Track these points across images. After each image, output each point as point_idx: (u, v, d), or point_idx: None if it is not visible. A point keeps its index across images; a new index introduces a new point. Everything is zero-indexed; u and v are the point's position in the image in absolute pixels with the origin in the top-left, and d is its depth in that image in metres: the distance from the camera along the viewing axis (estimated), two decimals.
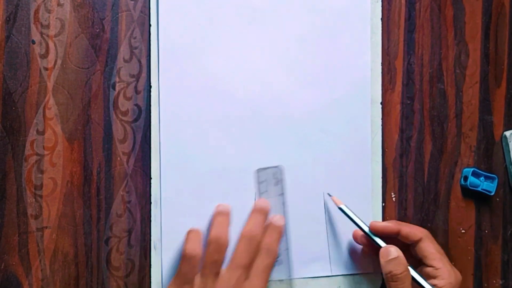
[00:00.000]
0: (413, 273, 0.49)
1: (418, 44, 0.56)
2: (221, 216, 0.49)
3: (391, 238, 0.51)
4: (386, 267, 0.48)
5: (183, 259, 0.47)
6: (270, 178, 0.52)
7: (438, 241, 0.52)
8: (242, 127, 0.52)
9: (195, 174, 0.51)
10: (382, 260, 0.49)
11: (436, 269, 0.49)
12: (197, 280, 0.47)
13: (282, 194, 0.52)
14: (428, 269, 0.50)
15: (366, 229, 0.51)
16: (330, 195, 0.53)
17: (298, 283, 0.53)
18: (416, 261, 0.51)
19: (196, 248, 0.47)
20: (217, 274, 0.47)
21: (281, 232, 0.50)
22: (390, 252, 0.49)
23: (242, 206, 0.51)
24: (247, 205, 0.52)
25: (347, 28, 0.54)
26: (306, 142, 0.53)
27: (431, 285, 0.48)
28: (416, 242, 0.51)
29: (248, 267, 0.48)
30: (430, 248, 0.50)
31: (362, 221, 0.51)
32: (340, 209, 0.52)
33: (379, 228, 0.51)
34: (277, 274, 0.52)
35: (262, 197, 0.52)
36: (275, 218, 0.50)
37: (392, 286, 0.48)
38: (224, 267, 0.48)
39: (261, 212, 0.50)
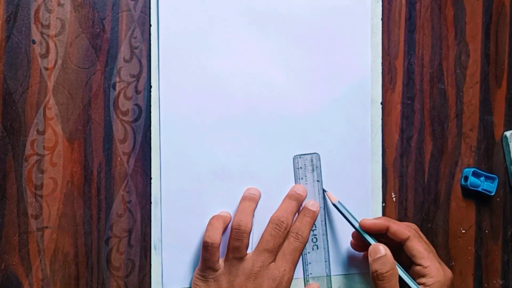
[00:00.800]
0: (400, 272, 0.48)
1: (418, 44, 0.56)
2: (246, 201, 0.51)
3: (384, 236, 0.51)
4: (372, 266, 0.48)
5: (202, 247, 0.49)
6: (308, 165, 0.52)
7: (438, 241, 0.52)
8: (242, 127, 0.52)
9: (195, 174, 0.51)
10: (370, 258, 0.49)
11: (425, 267, 0.49)
12: (222, 264, 0.49)
13: (319, 180, 0.53)
14: (417, 268, 0.50)
15: (357, 226, 0.51)
16: (325, 191, 0.53)
17: (298, 283, 0.53)
18: (409, 258, 0.51)
19: (213, 235, 0.48)
20: (240, 259, 0.48)
21: (314, 217, 0.51)
22: (378, 250, 0.49)
23: None
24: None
25: (348, 28, 0.54)
26: (307, 142, 0.53)
27: (416, 285, 0.48)
28: (404, 240, 0.50)
29: (274, 251, 0.49)
30: (417, 246, 0.50)
31: (354, 217, 0.51)
32: (334, 205, 0.52)
33: (368, 225, 0.51)
34: (315, 261, 0.53)
35: (299, 183, 0.52)
36: (310, 203, 0.51)
37: (378, 285, 0.48)
38: (250, 251, 0.49)
39: (293, 198, 0.51)
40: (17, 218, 0.48)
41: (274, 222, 0.50)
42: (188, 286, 0.51)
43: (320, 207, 0.53)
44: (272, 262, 0.49)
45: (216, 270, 0.48)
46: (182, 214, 0.51)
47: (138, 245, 0.50)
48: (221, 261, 0.49)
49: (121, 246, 0.50)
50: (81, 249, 0.49)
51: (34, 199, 0.48)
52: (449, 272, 0.50)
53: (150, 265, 0.51)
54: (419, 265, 0.49)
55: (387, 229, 0.51)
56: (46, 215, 0.49)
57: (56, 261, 0.49)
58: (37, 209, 0.48)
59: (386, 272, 0.48)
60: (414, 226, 0.52)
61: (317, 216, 0.52)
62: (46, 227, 0.49)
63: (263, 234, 0.50)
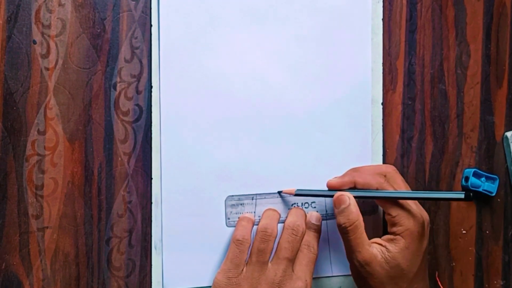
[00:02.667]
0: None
1: (419, 44, 0.56)
2: (271, 210, 0.51)
3: None
4: (337, 218, 0.48)
5: (232, 244, 0.48)
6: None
7: (439, 241, 0.52)
8: (243, 127, 0.52)
9: (196, 174, 0.51)
10: (335, 209, 0.48)
11: (393, 216, 0.48)
12: (244, 268, 0.48)
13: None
14: (388, 217, 0.49)
15: (327, 193, 0.50)
16: (280, 192, 0.52)
17: None
18: None
19: (245, 234, 0.49)
20: (263, 263, 0.48)
21: (319, 231, 0.51)
22: (342, 201, 0.48)
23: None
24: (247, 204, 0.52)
25: (348, 29, 0.54)
26: (307, 142, 0.53)
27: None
28: None
29: (293, 259, 0.49)
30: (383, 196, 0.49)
31: (320, 190, 0.51)
32: (297, 194, 0.51)
33: (335, 185, 0.50)
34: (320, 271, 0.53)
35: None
36: (313, 216, 0.51)
37: (343, 238, 0.48)
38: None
39: (301, 208, 0.52)
40: (17, 218, 0.48)
41: (290, 227, 0.49)
42: (188, 286, 0.51)
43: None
44: (292, 272, 0.48)
45: (241, 271, 0.48)
46: (183, 214, 0.51)
47: (138, 245, 0.50)
48: (243, 265, 0.48)
49: (121, 246, 0.50)
50: (82, 249, 0.49)
51: (34, 199, 0.48)
52: (419, 218, 0.48)
53: (151, 265, 0.51)
54: (388, 214, 0.48)
55: (355, 184, 0.50)
56: (47, 215, 0.49)
57: (57, 261, 0.49)
58: (38, 209, 0.48)
59: (350, 225, 0.47)
60: (389, 169, 0.51)
61: (321, 228, 0.51)
62: (47, 227, 0.49)
63: (279, 242, 0.49)
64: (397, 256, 0.47)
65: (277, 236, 0.49)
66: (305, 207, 0.53)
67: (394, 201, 0.48)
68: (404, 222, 0.47)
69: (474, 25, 0.57)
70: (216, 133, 0.51)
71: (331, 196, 0.50)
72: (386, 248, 0.47)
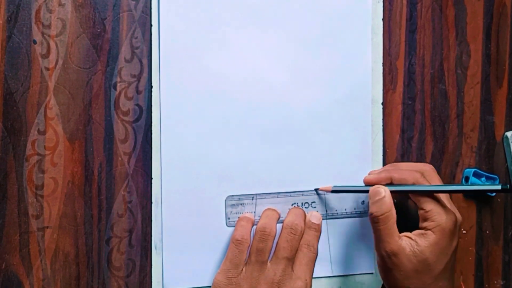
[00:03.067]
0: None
1: (419, 44, 0.56)
2: (270, 210, 0.51)
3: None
4: (370, 208, 0.48)
5: (232, 244, 0.48)
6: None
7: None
8: (243, 127, 0.52)
9: (196, 174, 0.51)
10: (369, 200, 0.49)
11: (426, 211, 0.48)
12: (244, 268, 0.48)
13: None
14: (420, 212, 0.49)
15: (364, 188, 0.51)
16: (317, 189, 0.53)
17: None
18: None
19: (244, 234, 0.49)
20: (263, 263, 0.48)
21: (319, 230, 0.51)
22: (377, 192, 0.48)
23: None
24: (248, 205, 0.52)
25: (348, 29, 0.54)
26: (307, 142, 0.53)
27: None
28: None
29: (292, 259, 0.49)
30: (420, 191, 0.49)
31: (357, 186, 0.51)
32: (334, 191, 0.52)
33: (372, 181, 0.50)
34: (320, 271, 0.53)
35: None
36: (313, 215, 0.51)
37: (373, 227, 0.48)
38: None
39: (299, 208, 0.52)
40: (17, 218, 0.48)
41: (289, 227, 0.49)
42: (188, 286, 0.51)
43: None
44: (291, 271, 0.49)
45: (240, 271, 0.48)
46: (183, 214, 0.51)
47: (138, 245, 0.50)
48: (243, 265, 0.49)
49: (121, 246, 0.50)
50: (82, 249, 0.49)
51: (34, 199, 0.48)
52: (452, 216, 0.48)
53: (151, 265, 0.51)
54: (422, 209, 0.49)
55: (391, 180, 0.50)
56: (47, 215, 0.49)
57: (57, 261, 0.49)
58: (38, 209, 0.48)
59: (381, 214, 0.47)
60: (426, 167, 0.51)
61: (321, 227, 0.51)
62: (47, 227, 0.49)
63: (278, 242, 0.49)
64: (426, 251, 0.47)
65: (277, 236, 0.49)
66: (305, 207, 0.53)
67: (429, 196, 0.48)
68: (436, 218, 0.48)
69: (474, 25, 0.57)
70: (216, 133, 0.51)
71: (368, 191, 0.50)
72: (416, 241, 0.47)
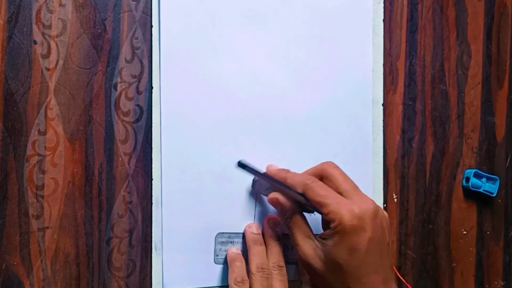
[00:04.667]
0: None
1: (420, 45, 0.56)
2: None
3: None
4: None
5: (235, 286, 0.48)
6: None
7: (439, 242, 0.52)
8: (243, 128, 0.52)
9: (196, 175, 0.51)
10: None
11: (326, 214, 0.45)
12: None
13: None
14: (322, 217, 0.49)
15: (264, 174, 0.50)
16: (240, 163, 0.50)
17: (297, 283, 0.53)
18: None
19: (244, 276, 0.49)
20: None
21: (279, 245, 0.50)
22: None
23: (243, 206, 0.51)
24: (248, 205, 0.52)
25: (349, 29, 0.54)
26: (308, 143, 0.53)
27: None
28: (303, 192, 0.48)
29: None
30: (313, 196, 0.46)
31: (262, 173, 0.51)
32: (239, 165, 0.49)
33: (272, 172, 0.51)
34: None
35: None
36: (252, 228, 0.51)
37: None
38: None
39: (258, 242, 0.51)
40: (18, 219, 0.48)
41: (260, 271, 0.48)
42: (188, 286, 0.51)
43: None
44: None
45: None
46: (183, 214, 0.51)
47: (139, 245, 0.50)
48: None
49: (122, 246, 0.50)
50: (82, 249, 0.49)
51: (35, 200, 0.48)
52: (353, 211, 0.44)
53: (151, 265, 0.51)
54: (321, 213, 0.47)
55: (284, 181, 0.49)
56: (47, 215, 0.49)
57: (57, 262, 0.49)
58: (38, 209, 0.48)
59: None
60: (325, 165, 0.49)
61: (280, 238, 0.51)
62: (47, 228, 0.49)
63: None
64: (332, 251, 0.45)
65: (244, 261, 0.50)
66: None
67: (322, 199, 0.46)
68: (336, 217, 0.44)
69: (475, 26, 0.57)
70: (217, 133, 0.51)
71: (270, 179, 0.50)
72: (322, 243, 0.46)
